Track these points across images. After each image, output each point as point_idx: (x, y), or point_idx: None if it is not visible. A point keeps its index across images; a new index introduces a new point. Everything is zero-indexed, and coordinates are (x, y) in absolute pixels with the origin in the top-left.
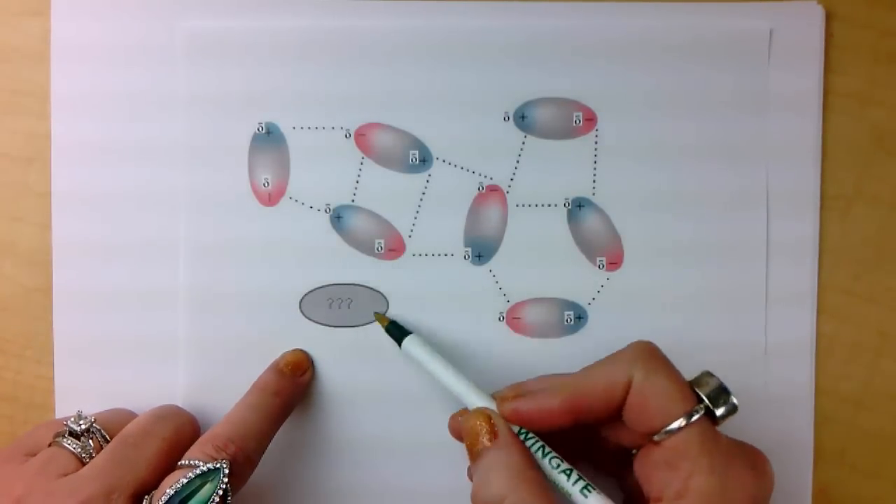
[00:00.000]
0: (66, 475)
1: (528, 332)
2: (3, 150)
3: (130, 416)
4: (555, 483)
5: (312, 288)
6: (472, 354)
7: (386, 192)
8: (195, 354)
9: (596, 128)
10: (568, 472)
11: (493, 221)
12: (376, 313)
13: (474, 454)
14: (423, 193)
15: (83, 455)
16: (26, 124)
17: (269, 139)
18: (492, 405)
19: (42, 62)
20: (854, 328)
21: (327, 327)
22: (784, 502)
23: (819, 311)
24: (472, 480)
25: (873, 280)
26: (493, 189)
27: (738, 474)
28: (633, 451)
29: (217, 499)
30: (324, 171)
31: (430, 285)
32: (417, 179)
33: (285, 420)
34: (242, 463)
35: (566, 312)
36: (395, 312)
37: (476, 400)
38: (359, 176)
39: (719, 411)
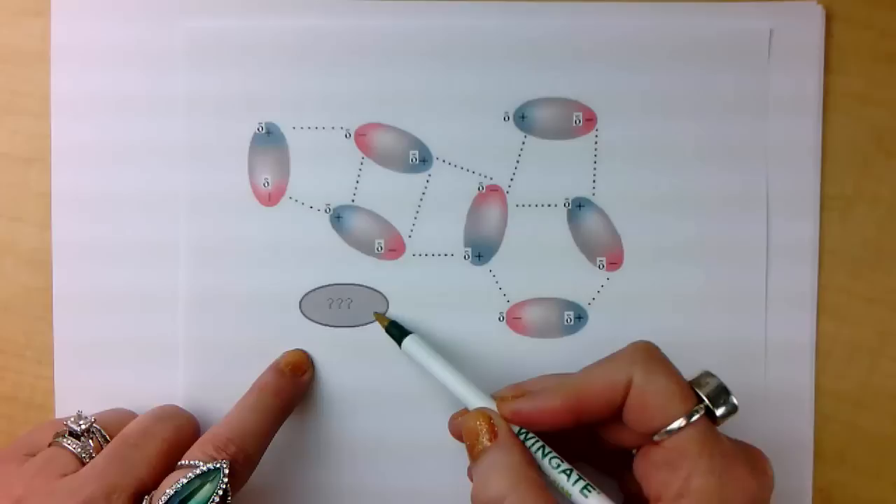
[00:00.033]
0: (66, 475)
1: (528, 332)
2: (3, 150)
3: (130, 416)
4: (555, 483)
5: (312, 288)
6: (472, 354)
7: (386, 192)
8: (195, 354)
9: (596, 128)
10: (568, 472)
11: (493, 221)
12: (376, 313)
13: (474, 454)
14: (423, 193)
15: (83, 455)
16: (26, 124)
17: (269, 139)
18: (492, 405)
19: (42, 62)
20: (854, 328)
21: (327, 327)
22: (784, 502)
23: (819, 312)
24: (472, 481)
25: (873, 280)
26: (493, 189)
27: (737, 475)
28: (634, 452)
29: (217, 499)
30: (324, 171)
31: (430, 285)
32: (417, 179)
33: (285, 420)
34: (242, 463)
35: (566, 312)
36: (395, 312)
37: (476, 400)
38: (359, 176)
39: (719, 411)
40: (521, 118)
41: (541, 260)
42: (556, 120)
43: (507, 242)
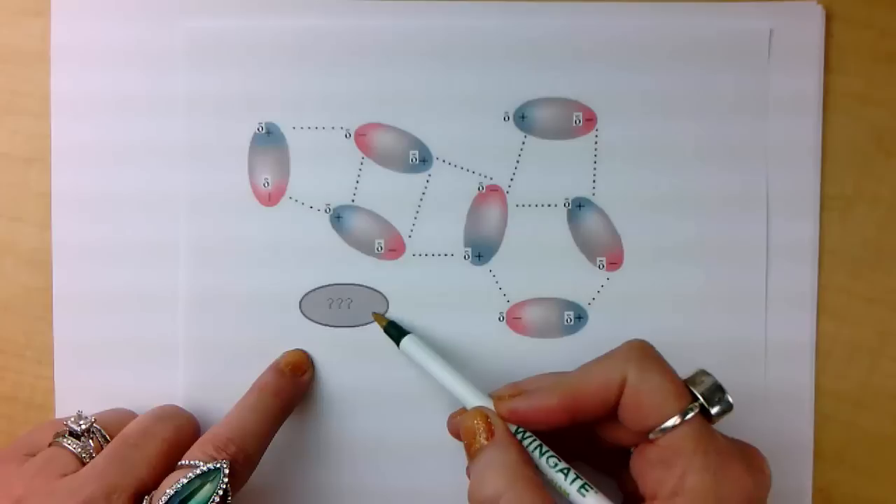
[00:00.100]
0: (66, 475)
1: (528, 332)
2: (3, 150)
3: (131, 416)
4: (552, 482)
5: (312, 288)
6: (473, 354)
7: (386, 192)
8: (195, 354)
9: (596, 128)
10: (565, 470)
11: (493, 221)
12: (374, 313)
13: (471, 453)
14: (423, 193)
15: (83, 455)
16: (26, 124)
17: (269, 139)
18: (489, 404)
19: (42, 62)
20: (854, 328)
21: (327, 327)
22: (783, 502)
23: (819, 311)
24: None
25: (873, 280)
26: (493, 189)
27: (733, 473)
28: (631, 450)
29: (217, 499)
30: (324, 171)
31: (430, 285)
32: (417, 179)
33: (285, 420)
34: (242, 463)
35: (566, 312)
36: (395, 312)
37: (473, 399)
38: (359, 176)
39: (714, 409)
40: (521, 118)
41: (541, 260)
42: (556, 120)
43: (507, 242)
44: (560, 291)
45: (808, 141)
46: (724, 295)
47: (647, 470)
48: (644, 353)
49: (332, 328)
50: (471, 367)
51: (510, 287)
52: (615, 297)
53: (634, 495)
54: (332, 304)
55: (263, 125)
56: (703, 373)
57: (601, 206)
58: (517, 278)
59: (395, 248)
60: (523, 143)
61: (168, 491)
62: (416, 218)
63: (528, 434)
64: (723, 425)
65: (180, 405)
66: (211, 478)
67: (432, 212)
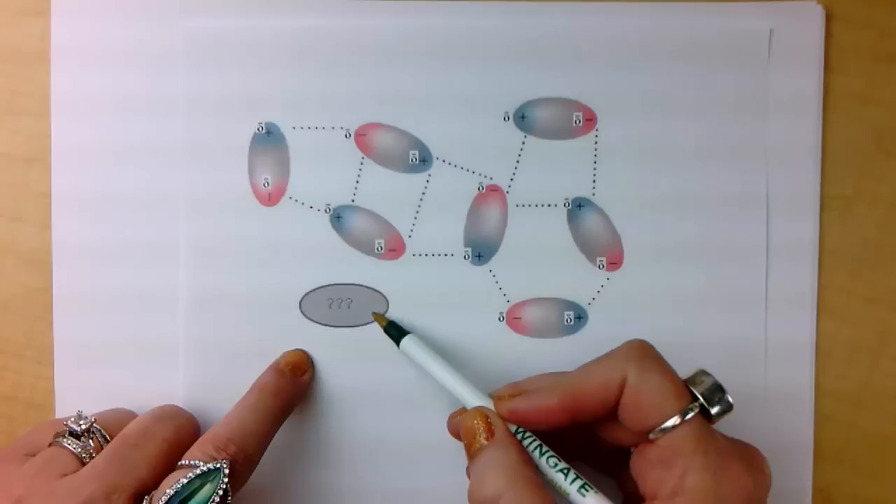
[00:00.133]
0: (66, 475)
1: (528, 332)
2: (3, 150)
3: (131, 416)
4: (552, 482)
5: (312, 288)
6: (473, 354)
7: (386, 192)
8: (195, 355)
9: (596, 128)
10: (565, 471)
11: (493, 221)
12: (374, 313)
13: (471, 453)
14: (423, 193)
15: (83, 455)
16: (26, 124)
17: (269, 139)
18: (489, 404)
19: (42, 62)
20: (854, 328)
21: (327, 327)
22: (783, 502)
23: (819, 311)
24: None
25: (873, 280)
26: (493, 189)
27: (733, 473)
28: (631, 450)
29: (217, 499)
30: (324, 171)
31: (430, 285)
32: (417, 179)
33: (285, 420)
34: (242, 463)
35: (566, 312)
36: (395, 312)
37: (473, 399)
38: (359, 176)
39: (714, 409)
40: (521, 118)
41: (541, 260)
42: (556, 120)
43: (507, 242)
44: (560, 291)
45: (808, 141)
46: (724, 295)
47: (647, 470)
48: (644, 353)
49: (332, 328)
50: (471, 367)
51: (510, 287)
52: (615, 297)
53: (634, 495)
54: (332, 304)
55: (263, 125)
56: (703, 373)
57: (601, 206)
58: (517, 278)
59: (395, 248)
60: (523, 143)
61: (168, 491)
62: (416, 218)
63: (528, 434)
64: (723, 425)
65: (180, 405)
66: (211, 478)
67: (432, 212)
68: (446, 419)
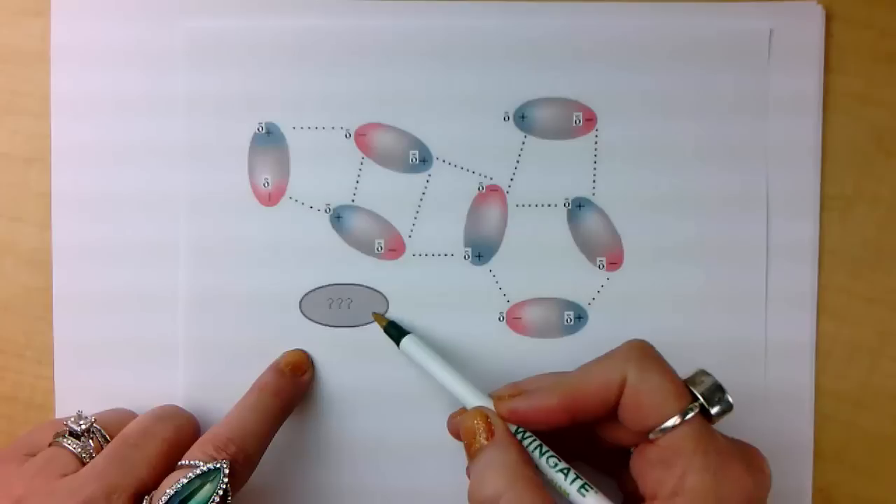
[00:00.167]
0: (66, 475)
1: (528, 332)
2: (3, 150)
3: (131, 416)
4: (552, 482)
5: (312, 288)
6: (473, 354)
7: (386, 192)
8: (195, 354)
9: (596, 128)
10: (565, 471)
11: (493, 221)
12: (374, 313)
13: (471, 453)
14: (423, 193)
15: (83, 455)
16: (26, 124)
17: (269, 139)
18: (489, 404)
19: (42, 62)
20: (854, 328)
21: (327, 327)
22: (783, 502)
23: (819, 311)
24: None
25: (873, 280)
26: (493, 189)
27: (733, 473)
28: (631, 450)
29: (217, 499)
30: (324, 171)
31: (430, 285)
32: (417, 179)
33: (285, 420)
34: (242, 463)
35: (566, 312)
36: (395, 312)
37: (473, 399)
38: (359, 176)
39: (714, 409)
40: (521, 118)
41: (541, 260)
42: (556, 120)
43: (507, 242)
44: (560, 291)
45: (808, 141)
46: (724, 295)
47: (647, 470)
48: (644, 353)
49: (332, 328)
50: (471, 367)
51: (510, 287)
52: (615, 297)
53: (634, 495)
54: (332, 304)
55: (263, 125)
56: (703, 373)
57: (601, 206)
58: (517, 278)
59: (395, 248)
60: (523, 143)
61: (168, 491)
62: (416, 218)
63: (528, 434)
64: (723, 425)
65: (180, 405)
66: (211, 478)
67: (432, 212)
68: (446, 419)
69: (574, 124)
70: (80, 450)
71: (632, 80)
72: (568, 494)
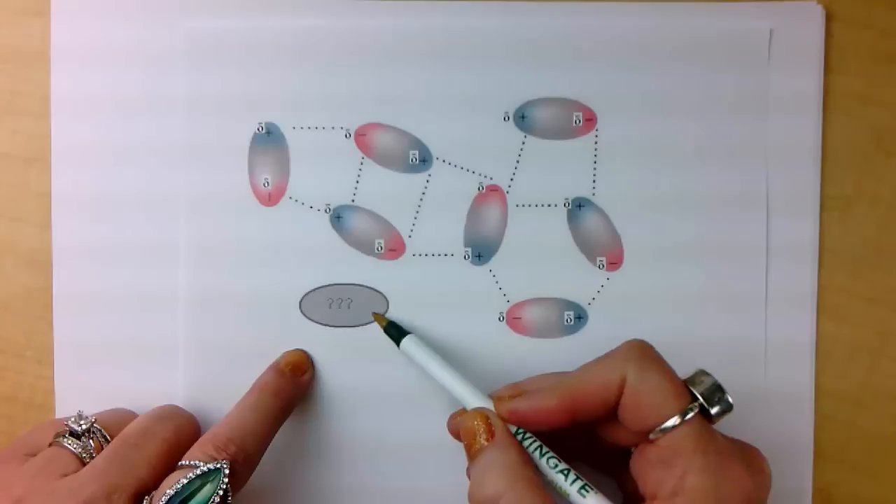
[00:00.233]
0: (66, 475)
1: (528, 332)
2: (3, 150)
3: (131, 416)
4: (553, 483)
5: (312, 288)
6: (473, 354)
7: (386, 192)
8: (195, 355)
9: (596, 128)
10: (566, 471)
11: (493, 221)
12: (374, 313)
13: (472, 454)
14: (423, 193)
15: (84, 455)
16: (26, 124)
17: (269, 139)
18: (489, 405)
19: (42, 62)
20: (854, 328)
21: (327, 327)
22: (784, 502)
23: (819, 311)
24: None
25: (873, 280)
26: (493, 189)
27: (733, 473)
28: (630, 450)
29: (217, 499)
30: (324, 171)
31: (430, 285)
32: (417, 179)
33: (285, 420)
34: (242, 463)
35: (566, 312)
36: (394, 312)
37: (473, 400)
38: (359, 176)
39: (714, 409)
40: (521, 118)
41: (541, 260)
42: (556, 120)
43: (507, 242)
44: (560, 291)
45: (808, 141)
46: (724, 295)
47: (647, 470)
48: (643, 353)
49: (332, 328)
50: (471, 367)
51: (510, 287)
52: (615, 297)
53: (634, 495)
54: (332, 304)
55: (263, 125)
56: (703, 373)
57: (601, 206)
58: (517, 278)
59: (395, 248)
60: (523, 143)
61: (168, 491)
62: (416, 218)
63: (528, 435)
64: (723, 425)
65: (180, 405)
66: (211, 478)
67: (432, 212)
68: (446, 419)
69: (574, 124)
70: (80, 450)
71: (632, 80)
72: (568, 495)
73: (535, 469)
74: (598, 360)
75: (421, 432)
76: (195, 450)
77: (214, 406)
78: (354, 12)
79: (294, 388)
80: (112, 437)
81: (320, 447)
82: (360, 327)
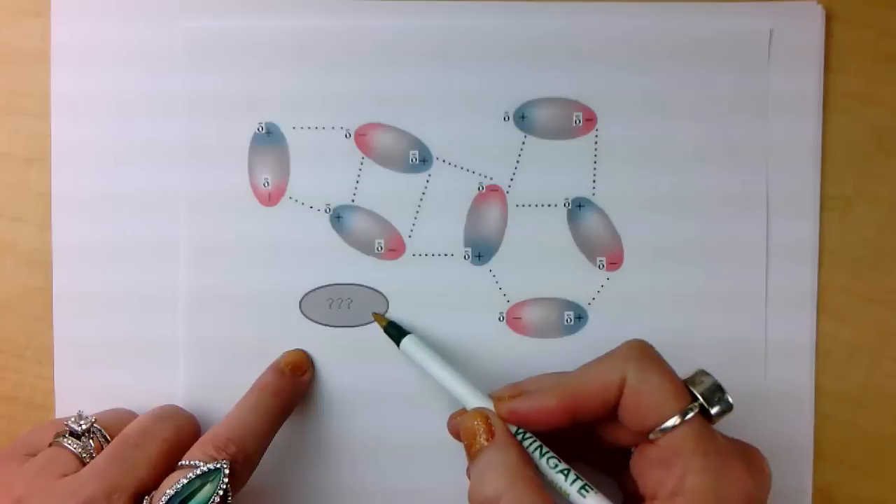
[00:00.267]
0: (66, 475)
1: (528, 332)
2: (3, 150)
3: (131, 416)
4: (553, 483)
5: (312, 288)
6: (473, 354)
7: (386, 192)
8: (195, 355)
9: (596, 128)
10: (566, 471)
11: (493, 221)
12: (374, 313)
13: (472, 454)
14: (423, 193)
15: (84, 455)
16: (26, 124)
17: (269, 139)
18: (489, 405)
19: (42, 62)
20: (854, 328)
21: (327, 327)
22: (784, 502)
23: (819, 311)
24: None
25: (873, 280)
26: (493, 189)
27: (733, 473)
28: (630, 450)
29: (217, 499)
30: (324, 171)
31: (430, 285)
32: (417, 179)
33: (285, 420)
34: (242, 463)
35: (566, 312)
36: (394, 312)
37: (473, 400)
38: (359, 176)
39: (714, 409)
40: (521, 118)
41: (541, 260)
42: (556, 120)
43: (507, 242)
44: (560, 291)
45: (808, 141)
46: (724, 295)
47: (647, 470)
48: (643, 353)
49: (332, 328)
50: (471, 367)
51: (510, 287)
52: (615, 297)
53: (634, 495)
54: (332, 304)
55: (263, 125)
56: (703, 373)
57: (601, 206)
58: (517, 278)
59: (395, 248)
60: (523, 143)
61: (168, 491)
62: (416, 218)
63: (528, 435)
64: (723, 425)
65: (180, 405)
66: (211, 478)
67: (432, 212)
68: (446, 419)
69: (574, 124)
70: (80, 450)
71: (632, 80)
72: (568, 495)
73: (535, 469)
74: (598, 360)
75: (421, 432)
76: (195, 450)
77: (214, 406)
78: (354, 12)
79: (294, 388)
80: (112, 437)
81: (320, 447)
82: (360, 327)
